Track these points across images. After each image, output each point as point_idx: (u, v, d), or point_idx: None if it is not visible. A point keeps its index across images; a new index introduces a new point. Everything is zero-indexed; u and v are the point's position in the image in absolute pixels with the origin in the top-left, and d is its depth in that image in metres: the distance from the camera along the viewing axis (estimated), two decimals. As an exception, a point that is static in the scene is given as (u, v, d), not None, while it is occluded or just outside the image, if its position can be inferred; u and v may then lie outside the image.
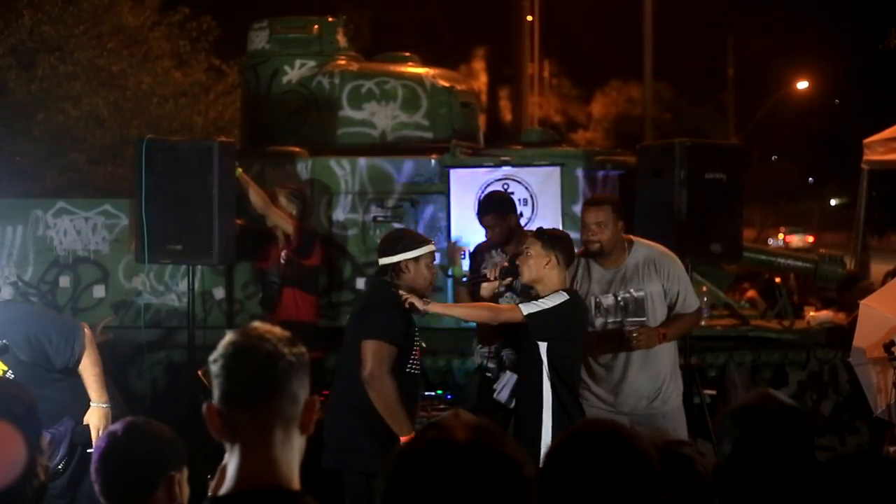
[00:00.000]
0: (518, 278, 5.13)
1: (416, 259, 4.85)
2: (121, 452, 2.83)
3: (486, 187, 7.17)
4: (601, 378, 5.42)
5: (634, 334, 5.20)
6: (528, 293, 5.15)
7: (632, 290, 5.35)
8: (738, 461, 2.53)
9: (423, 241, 4.95)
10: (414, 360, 4.85)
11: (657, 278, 5.37)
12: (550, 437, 4.82)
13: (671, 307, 5.40)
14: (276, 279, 6.73)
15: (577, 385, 5.09)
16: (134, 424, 2.95)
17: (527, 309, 4.84)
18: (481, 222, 6.21)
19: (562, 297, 4.87)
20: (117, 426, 2.96)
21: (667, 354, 5.43)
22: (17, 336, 4.58)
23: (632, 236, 5.50)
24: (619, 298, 5.36)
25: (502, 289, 5.49)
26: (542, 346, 4.91)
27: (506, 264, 5.25)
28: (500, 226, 6.11)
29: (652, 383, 5.37)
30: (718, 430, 2.63)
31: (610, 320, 5.37)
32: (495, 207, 6.20)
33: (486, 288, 5.16)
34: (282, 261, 6.75)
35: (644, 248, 5.45)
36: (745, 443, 2.54)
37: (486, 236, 6.21)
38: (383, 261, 4.88)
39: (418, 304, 4.76)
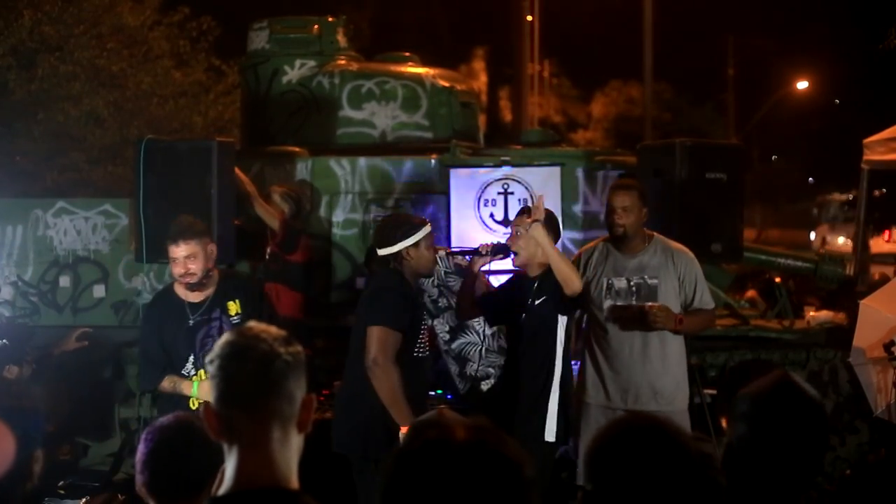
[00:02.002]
0: (501, 256, 5.17)
1: (416, 244, 4.86)
2: (175, 449, 2.76)
3: (486, 187, 7.17)
4: (604, 366, 5.40)
5: (655, 310, 5.19)
6: None
7: (646, 277, 5.36)
8: (750, 447, 2.53)
9: (418, 225, 4.93)
10: (422, 343, 4.87)
11: (673, 272, 5.38)
12: (557, 408, 4.93)
13: (687, 305, 5.40)
14: (262, 275, 6.78)
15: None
16: (187, 420, 2.86)
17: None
18: None
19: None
20: (168, 420, 2.87)
21: (674, 353, 5.43)
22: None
23: (654, 232, 5.53)
24: (632, 283, 5.36)
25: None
26: (563, 321, 4.99)
27: (498, 241, 5.27)
28: None
29: (657, 380, 5.36)
30: (735, 409, 2.62)
31: (619, 303, 5.37)
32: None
33: (476, 262, 5.18)
34: (266, 256, 6.79)
35: (663, 242, 5.48)
36: (760, 430, 2.54)
37: None
38: (383, 251, 4.88)
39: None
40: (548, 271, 5.00)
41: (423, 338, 4.89)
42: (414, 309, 4.84)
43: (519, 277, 5.24)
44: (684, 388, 5.49)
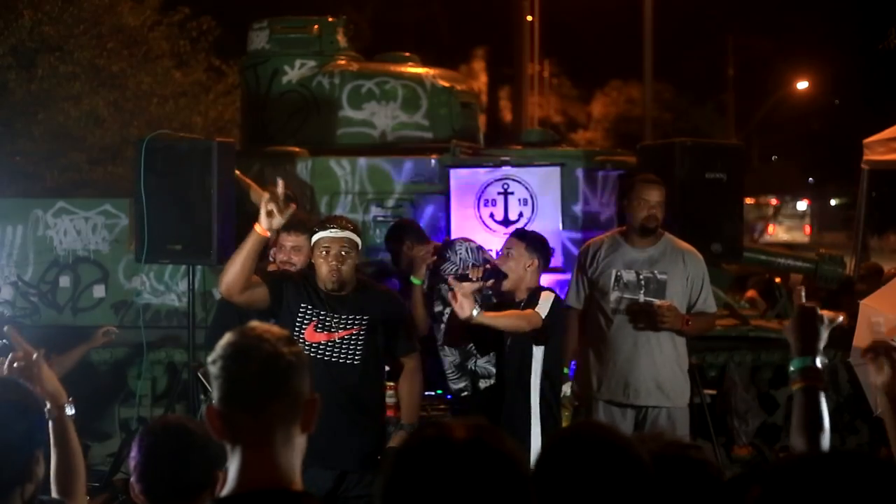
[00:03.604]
0: (493, 281, 5.10)
1: (312, 247, 4.68)
2: (172, 453, 2.72)
3: (486, 187, 7.17)
4: (607, 360, 5.40)
5: (664, 309, 5.19)
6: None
7: (655, 272, 5.38)
8: None
9: (318, 227, 4.68)
10: (301, 336, 4.60)
11: (683, 270, 5.41)
12: (541, 441, 4.88)
13: (691, 306, 5.42)
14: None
15: (560, 385, 5.14)
16: (181, 423, 2.82)
17: (542, 311, 4.86)
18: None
19: (550, 297, 4.93)
20: (162, 424, 2.83)
21: (677, 349, 5.45)
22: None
23: (663, 230, 5.57)
24: (642, 277, 5.39)
25: (486, 291, 5.46)
26: (539, 351, 4.93)
27: (488, 266, 5.23)
28: (398, 252, 6.11)
29: (659, 374, 5.37)
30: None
31: (627, 296, 5.39)
32: (389, 235, 6.24)
33: (466, 288, 5.11)
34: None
35: (673, 240, 5.53)
36: None
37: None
38: None
39: (463, 312, 4.56)
40: (532, 294, 4.97)
41: (309, 335, 4.62)
42: (282, 294, 4.60)
43: (505, 301, 5.19)
44: (685, 385, 5.50)
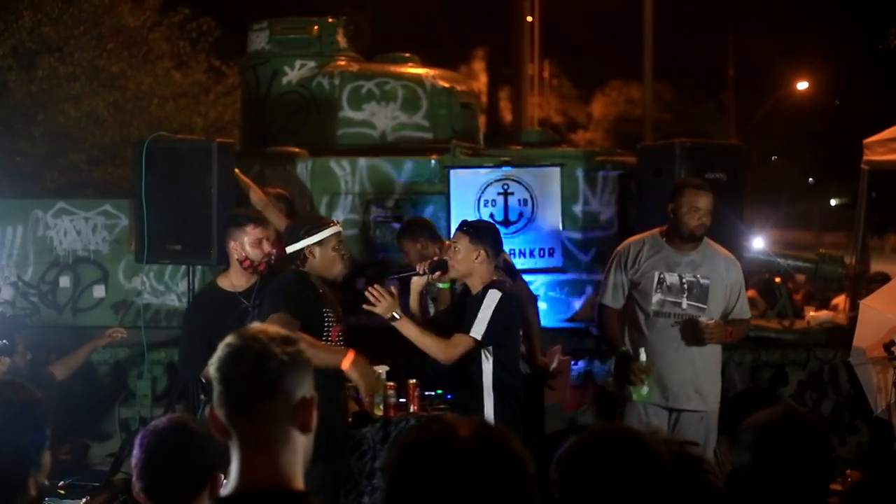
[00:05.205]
0: (440, 274, 5.02)
1: (321, 243, 4.70)
2: (172, 452, 2.75)
3: (486, 187, 7.18)
4: (653, 366, 5.39)
5: (710, 328, 5.23)
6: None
7: (698, 275, 5.39)
8: (755, 477, 2.49)
9: (325, 224, 4.81)
10: (328, 339, 4.66)
11: (724, 276, 5.44)
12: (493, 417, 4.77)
13: (728, 311, 5.43)
14: None
15: (518, 365, 5.05)
16: (182, 422, 2.86)
17: (476, 332, 4.72)
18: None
19: (495, 297, 4.76)
20: (163, 423, 2.86)
21: (714, 353, 5.47)
22: None
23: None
24: (685, 280, 5.39)
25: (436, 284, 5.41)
26: (488, 351, 4.82)
27: (435, 259, 5.17)
28: (412, 250, 6.06)
29: (699, 379, 5.38)
30: (740, 438, 2.59)
31: (669, 299, 5.38)
32: (404, 233, 6.20)
33: (416, 282, 5.06)
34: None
35: (712, 244, 5.54)
36: (764, 461, 2.50)
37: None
38: (289, 249, 4.78)
39: (385, 312, 4.68)
40: (483, 291, 4.83)
41: (326, 332, 4.65)
42: (308, 306, 4.61)
43: (465, 294, 5.10)
44: (719, 389, 5.53)
